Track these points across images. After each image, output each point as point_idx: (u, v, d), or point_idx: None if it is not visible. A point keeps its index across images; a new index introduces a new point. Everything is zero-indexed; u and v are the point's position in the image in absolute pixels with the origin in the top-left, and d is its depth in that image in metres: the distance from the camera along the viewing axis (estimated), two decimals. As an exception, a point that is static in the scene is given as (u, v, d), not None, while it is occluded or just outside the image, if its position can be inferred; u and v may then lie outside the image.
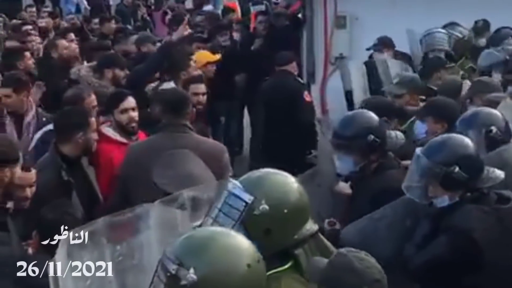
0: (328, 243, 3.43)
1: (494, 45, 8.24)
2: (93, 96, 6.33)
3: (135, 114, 6.05)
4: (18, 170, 4.67)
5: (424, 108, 6.01)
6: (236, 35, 11.16)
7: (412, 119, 6.27)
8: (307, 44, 10.35)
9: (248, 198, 3.06)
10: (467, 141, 4.10)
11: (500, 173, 4.06)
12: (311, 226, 3.19)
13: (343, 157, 4.76)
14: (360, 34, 9.98)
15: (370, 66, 8.86)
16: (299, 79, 9.02)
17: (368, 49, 9.52)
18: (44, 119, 6.65)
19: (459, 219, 3.91)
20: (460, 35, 8.81)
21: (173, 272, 2.62)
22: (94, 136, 5.59)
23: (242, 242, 2.77)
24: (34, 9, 13.80)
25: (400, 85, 6.84)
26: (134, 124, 6.05)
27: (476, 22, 9.30)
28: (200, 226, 3.19)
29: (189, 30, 8.50)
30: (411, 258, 4.01)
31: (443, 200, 4.01)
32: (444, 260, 3.89)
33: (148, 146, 5.52)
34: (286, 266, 3.14)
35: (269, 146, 8.60)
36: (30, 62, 8.28)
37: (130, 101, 6.09)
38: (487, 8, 9.20)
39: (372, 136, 4.65)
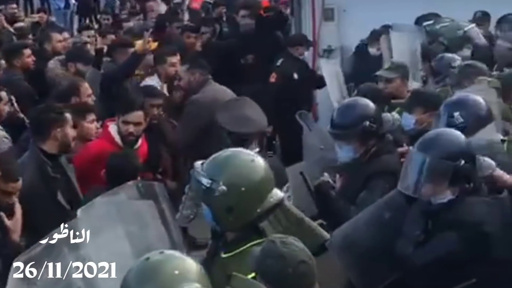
0: (297, 211, 3.62)
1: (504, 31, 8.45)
2: (86, 84, 6.48)
3: (136, 129, 5.96)
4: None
5: (412, 99, 6.00)
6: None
7: (397, 109, 6.20)
8: (296, 37, 10.22)
9: (206, 181, 3.27)
10: (458, 132, 4.02)
11: (491, 162, 4.00)
12: (274, 196, 3.35)
13: (344, 146, 4.88)
14: (348, 26, 9.97)
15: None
16: None
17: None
18: None
19: (465, 213, 3.83)
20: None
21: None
22: (72, 132, 5.45)
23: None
24: (14, 5, 13.69)
25: (391, 70, 6.98)
26: (131, 138, 5.95)
27: (475, 14, 9.32)
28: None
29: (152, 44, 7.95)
30: (411, 256, 3.86)
31: (445, 196, 3.88)
32: (456, 256, 3.78)
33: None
34: (260, 240, 3.28)
35: None
36: (29, 59, 8.15)
37: (135, 116, 5.97)
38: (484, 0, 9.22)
39: (368, 122, 4.78)
